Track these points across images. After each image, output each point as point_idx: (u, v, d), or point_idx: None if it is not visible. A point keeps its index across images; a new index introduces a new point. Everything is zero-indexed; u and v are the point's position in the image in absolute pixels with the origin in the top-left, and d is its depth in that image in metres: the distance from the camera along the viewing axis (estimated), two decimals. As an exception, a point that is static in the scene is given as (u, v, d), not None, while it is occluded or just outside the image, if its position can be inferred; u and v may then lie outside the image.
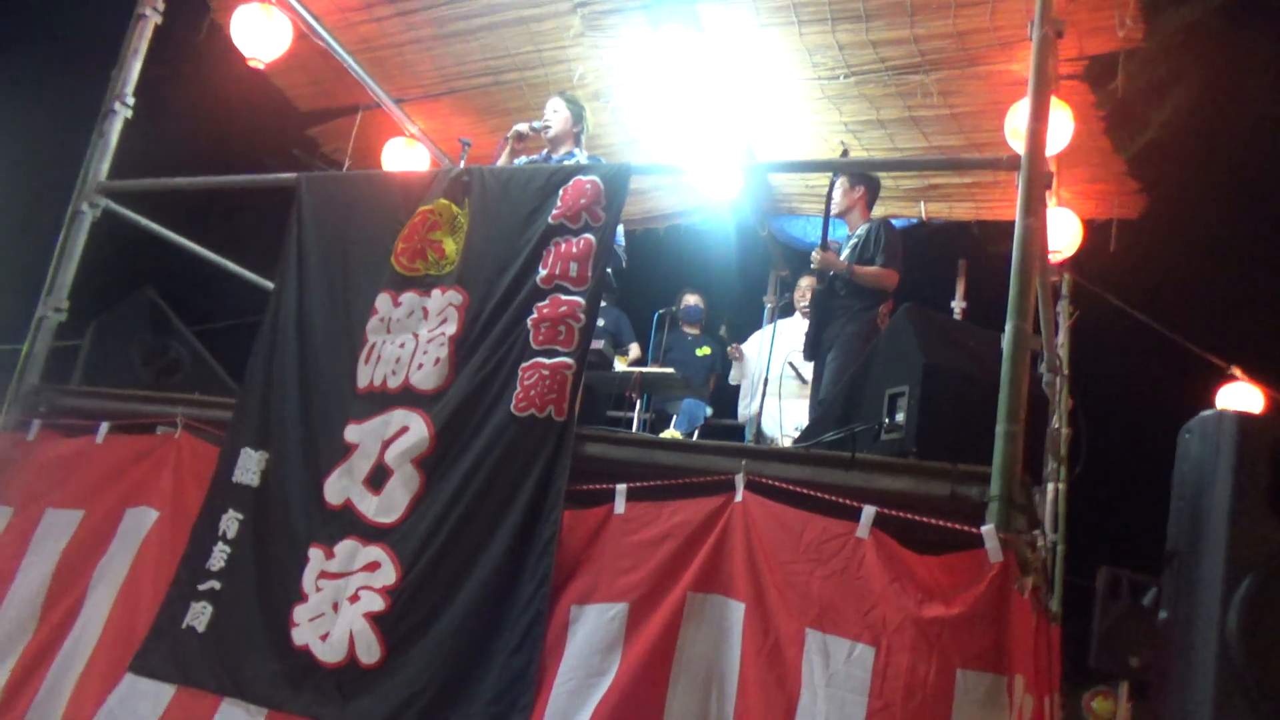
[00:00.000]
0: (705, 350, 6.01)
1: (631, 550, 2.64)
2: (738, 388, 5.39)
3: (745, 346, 5.40)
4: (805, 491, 2.55)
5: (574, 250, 3.04)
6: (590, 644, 2.53)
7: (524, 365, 2.93)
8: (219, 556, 3.04)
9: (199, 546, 3.06)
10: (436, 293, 3.17)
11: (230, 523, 3.07)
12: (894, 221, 4.85)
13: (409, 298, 3.19)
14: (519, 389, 2.90)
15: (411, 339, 3.13)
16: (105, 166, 3.97)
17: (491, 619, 2.66)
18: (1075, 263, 5.17)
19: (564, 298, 3.00)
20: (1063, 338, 5.10)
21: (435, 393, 3.01)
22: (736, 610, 2.47)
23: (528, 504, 2.77)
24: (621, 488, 2.73)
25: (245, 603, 2.94)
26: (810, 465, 2.68)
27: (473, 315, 3.08)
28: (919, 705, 2.19)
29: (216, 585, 2.99)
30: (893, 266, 3.89)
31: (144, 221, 4.10)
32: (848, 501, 2.49)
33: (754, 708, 2.33)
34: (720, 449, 2.79)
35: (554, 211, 3.10)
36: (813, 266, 4.07)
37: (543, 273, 3.03)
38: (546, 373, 2.90)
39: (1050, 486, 3.99)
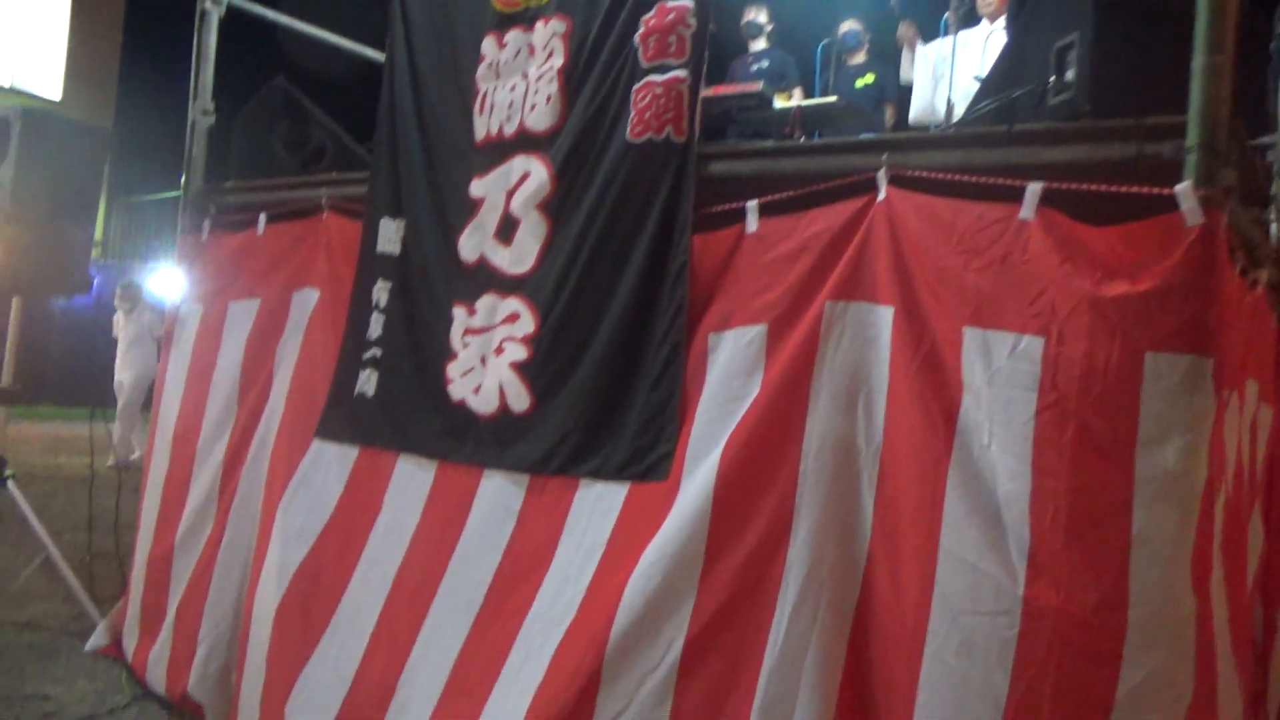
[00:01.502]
0: (868, 78, 5.43)
1: (767, 269, 2.42)
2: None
3: (924, 53, 4.80)
4: (958, 178, 2.20)
5: (673, -54, 2.67)
6: (730, 369, 2.39)
7: (636, 87, 2.67)
8: (376, 325, 3.11)
9: (358, 318, 3.15)
10: (539, 25, 2.91)
11: (381, 292, 3.13)
12: None
13: (513, 36, 2.97)
14: (633, 113, 2.66)
15: (521, 80, 2.92)
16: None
17: (630, 356, 2.58)
18: None
19: (670, 4, 2.67)
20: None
21: (551, 132, 2.82)
22: (883, 315, 2.22)
23: (655, 234, 2.59)
24: (752, 204, 2.48)
25: (404, 365, 3.02)
26: (962, 148, 2.30)
27: (578, 42, 2.82)
28: (1099, 396, 1.90)
29: (378, 352, 3.09)
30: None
31: (267, 13, 4.07)
32: (1009, 183, 2.12)
33: (907, 417, 2.12)
34: (858, 145, 2.46)
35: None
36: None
37: (645, -22, 2.70)
38: (660, 91, 2.63)
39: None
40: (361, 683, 2.63)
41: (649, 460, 2.46)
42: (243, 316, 3.49)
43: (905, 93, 5.33)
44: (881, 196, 2.29)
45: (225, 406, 3.42)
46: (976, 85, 3.87)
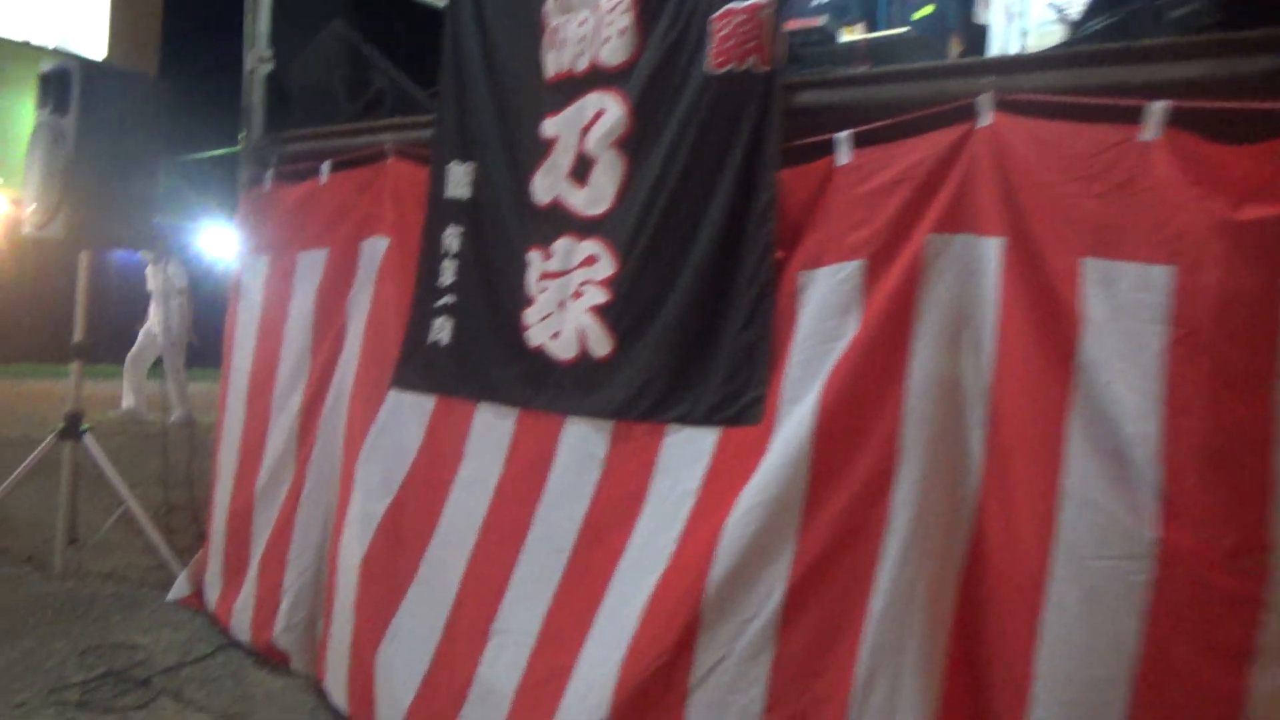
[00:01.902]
0: (926, 9, 5.18)
1: (860, 202, 2.31)
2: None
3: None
4: (1071, 101, 2.07)
5: None
6: (824, 309, 2.30)
7: (715, 16, 2.54)
8: (448, 272, 3.05)
9: (429, 265, 3.09)
10: (610, -48, 2.79)
11: (452, 238, 3.06)
12: None
13: (583, -34, 2.85)
14: (713, 43, 2.54)
15: (592, 13, 2.80)
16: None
17: (716, 297, 2.49)
18: None
19: (750, -74, 2.53)
20: None
21: (625, 66, 2.71)
22: (990, 248, 2.11)
23: (739, 170, 2.49)
24: (843, 135, 2.36)
25: (479, 312, 2.96)
26: (1075, 67, 2.16)
27: (652, -30, 2.69)
28: (1235, 328, 1.78)
29: (451, 299, 3.03)
30: None
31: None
32: (1130, 102, 1.98)
33: (1019, 354, 2.02)
34: (959, 68, 2.33)
35: None
36: None
37: (716, -101, 2.56)
38: (742, 19, 2.50)
39: None
40: (452, 632, 2.62)
41: (740, 404, 2.39)
42: (311, 267, 3.45)
43: (969, 24, 5.09)
44: (985, 122, 2.16)
45: (299, 358, 3.39)
46: (1056, 15, 3.69)
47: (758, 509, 2.15)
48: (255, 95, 3.85)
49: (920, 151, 2.25)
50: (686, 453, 2.43)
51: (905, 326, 2.15)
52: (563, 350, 2.73)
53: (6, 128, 13.85)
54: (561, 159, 2.82)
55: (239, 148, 3.99)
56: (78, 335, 4.06)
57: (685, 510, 2.34)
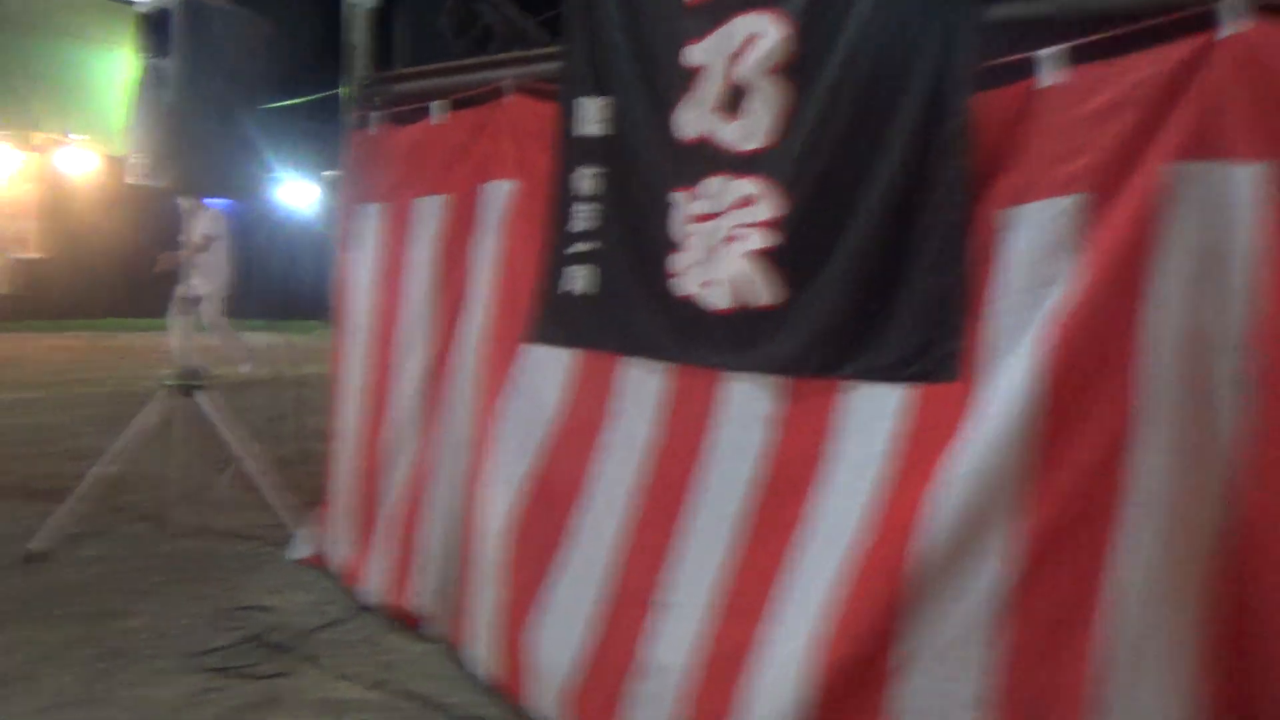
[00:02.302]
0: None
1: (1074, 129, 2.03)
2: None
3: None
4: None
5: None
6: (1034, 251, 2.04)
7: (892, -82, 2.26)
8: (583, 216, 2.84)
9: (561, 210, 2.88)
10: None
11: (585, 180, 2.84)
12: None
13: None
14: (891, -49, 2.25)
15: (739, -77, 2.53)
16: None
17: (898, 238, 2.24)
18: None
19: None
20: None
21: (783, -18, 2.44)
22: (1243, 176, 1.83)
23: (923, 94, 2.21)
24: (1049, 52, 2.08)
25: (620, 259, 2.75)
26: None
27: None
28: None
29: (587, 246, 2.82)
30: None
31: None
32: None
33: (1285, 301, 1.75)
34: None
35: None
36: None
37: None
38: (925, -81, 2.21)
39: None
40: (610, 604, 2.46)
41: (931, 358, 2.15)
42: (428, 214, 3.27)
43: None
44: (1234, 30, 1.86)
45: (420, 311, 3.23)
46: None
47: (968, 479, 1.93)
48: (358, 32, 3.64)
49: (1146, 68, 1.96)
50: (869, 412, 2.21)
51: (1140, 270, 1.89)
52: (716, 300, 2.51)
53: (89, 83, 13.94)
54: (709, 90, 2.56)
55: (338, 90, 3.80)
56: (185, 289, 3.95)
57: (873, 476, 2.12)
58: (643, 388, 2.63)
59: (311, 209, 15.76)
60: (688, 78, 2.60)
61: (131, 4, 12.71)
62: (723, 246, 2.51)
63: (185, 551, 3.77)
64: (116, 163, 13.25)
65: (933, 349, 2.15)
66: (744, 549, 2.29)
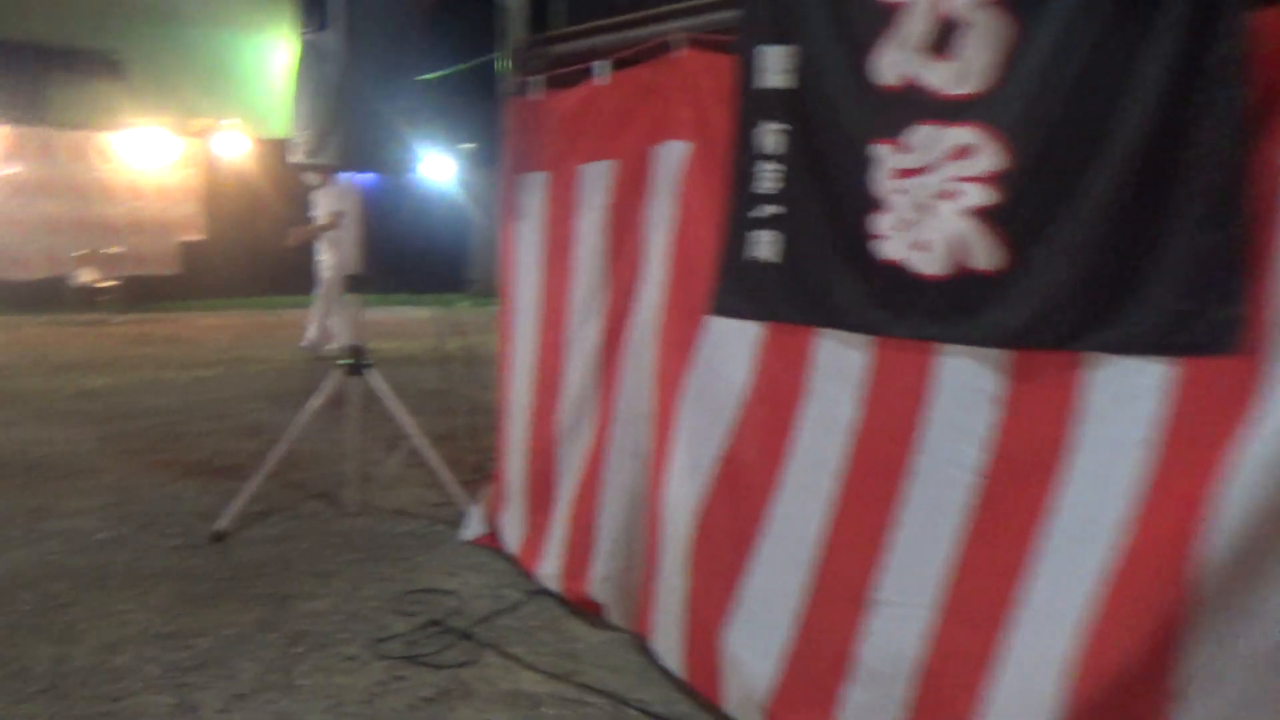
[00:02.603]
0: None
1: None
2: None
3: None
4: None
5: None
6: (1333, 195, 1.71)
7: None
8: (768, 176, 2.61)
9: (743, 170, 2.65)
10: None
11: (770, 135, 2.60)
12: None
13: None
14: None
15: None
16: None
17: (1154, 188, 1.92)
18: None
19: None
20: None
21: (1002, -101, 2.13)
22: None
23: (1185, 13, 1.88)
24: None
25: (812, 222, 2.51)
26: None
27: None
28: None
29: (773, 209, 2.59)
30: None
31: None
32: None
33: None
34: None
35: None
36: None
37: None
38: None
39: None
40: (817, 599, 2.26)
41: (1200, 327, 1.84)
42: (597, 180, 3.10)
43: None
44: None
45: (592, 283, 3.08)
46: None
47: (1260, 472, 1.63)
48: (517, -6, 3.49)
49: None
50: (1122, 390, 1.92)
51: None
52: (930, 264, 2.24)
53: (238, 69, 14.47)
54: (913, 28, 2.28)
55: (492, 57, 3.67)
56: (353, 267, 3.93)
57: (1131, 467, 1.84)
58: (842, 362, 2.40)
59: (449, 182, 15.99)
60: (887, 15, 2.33)
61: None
62: (934, 204, 2.24)
63: (360, 530, 3.78)
64: (267, 145, 13.75)
65: (1203, 316, 1.84)
66: (971, 544, 2.05)
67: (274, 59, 14.94)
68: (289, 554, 3.49)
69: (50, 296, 12.40)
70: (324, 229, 8.18)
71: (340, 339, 8.36)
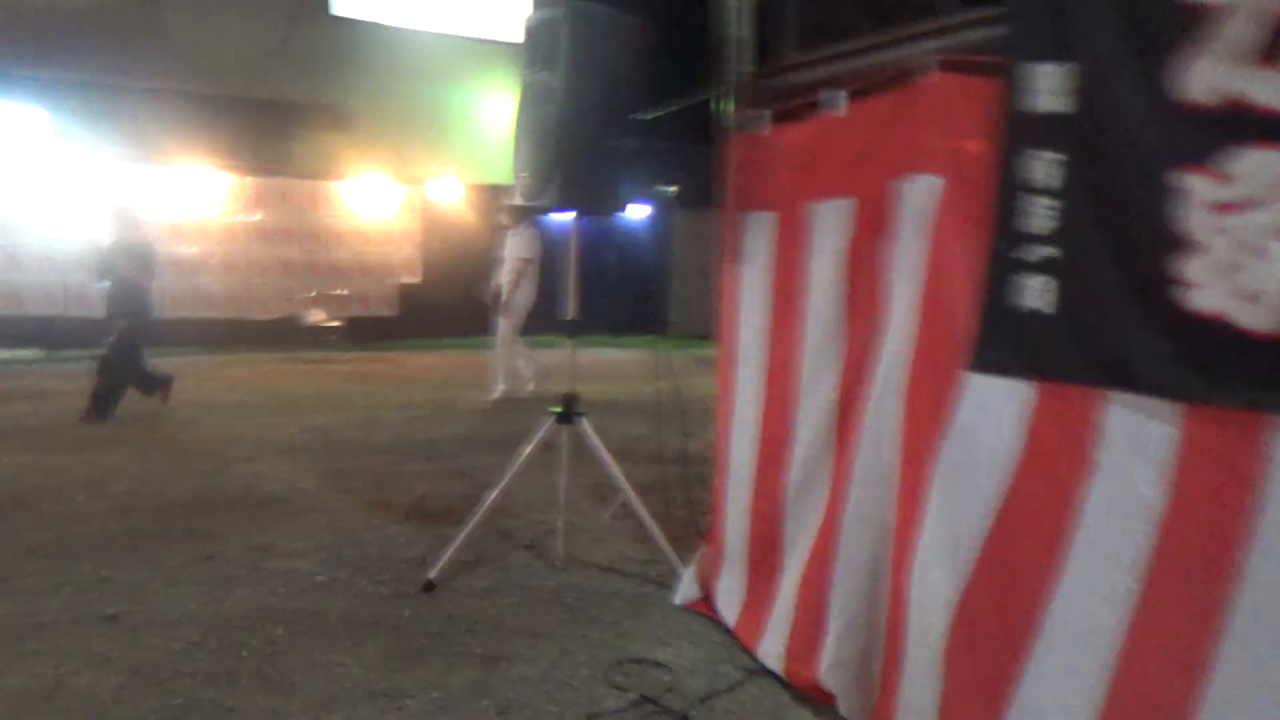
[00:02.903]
0: None
1: None
2: None
3: None
4: None
5: None
6: None
7: None
8: (1038, 213, 2.25)
9: (1007, 206, 2.31)
10: None
11: (1040, 166, 2.26)
12: None
13: None
14: None
15: None
16: None
17: None
18: None
19: None
20: None
21: None
22: None
23: None
24: None
25: (1095, 265, 2.14)
26: None
27: None
28: None
29: (1045, 250, 2.23)
30: None
31: None
32: None
33: None
34: None
35: None
36: None
37: None
38: None
39: None
40: (1116, 722, 1.88)
41: None
42: (832, 219, 2.84)
43: None
44: None
45: (828, 333, 2.80)
46: None
47: None
48: (742, 24, 3.30)
49: None
50: None
51: None
52: (1259, 318, 1.83)
53: (452, 118, 15.23)
54: (1235, 32, 1.90)
55: (711, 93, 3.49)
56: (572, 312, 3.82)
57: None
58: (1140, 433, 2.01)
59: (643, 222, 16.16)
60: (1198, 20, 1.95)
61: (485, 41, 13.61)
62: (1265, 245, 1.83)
63: (568, 587, 3.63)
64: (478, 191, 14.33)
65: None
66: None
67: (486, 108, 15.62)
68: (497, 609, 3.38)
69: (283, 335, 13.36)
70: (514, 275, 8.30)
71: (528, 380, 8.49)
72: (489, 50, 15.67)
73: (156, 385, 7.70)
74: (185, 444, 6.39)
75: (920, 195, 2.58)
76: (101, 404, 7.19)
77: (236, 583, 3.61)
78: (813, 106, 2.99)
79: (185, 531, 4.26)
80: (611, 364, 9.16)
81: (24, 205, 11.97)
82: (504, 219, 8.65)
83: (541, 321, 8.75)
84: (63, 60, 12.34)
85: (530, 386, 8.51)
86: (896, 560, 2.41)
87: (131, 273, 7.25)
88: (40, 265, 11.78)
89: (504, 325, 8.46)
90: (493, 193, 11.86)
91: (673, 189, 15.21)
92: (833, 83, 2.93)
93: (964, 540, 2.20)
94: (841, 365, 2.74)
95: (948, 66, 2.57)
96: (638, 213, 16.05)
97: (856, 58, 2.93)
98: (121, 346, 7.28)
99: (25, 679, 2.76)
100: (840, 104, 2.87)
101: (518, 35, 3.48)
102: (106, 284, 7.30)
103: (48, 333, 11.80)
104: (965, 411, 2.33)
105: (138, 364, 7.50)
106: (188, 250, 13.21)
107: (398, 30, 15.06)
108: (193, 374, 10.31)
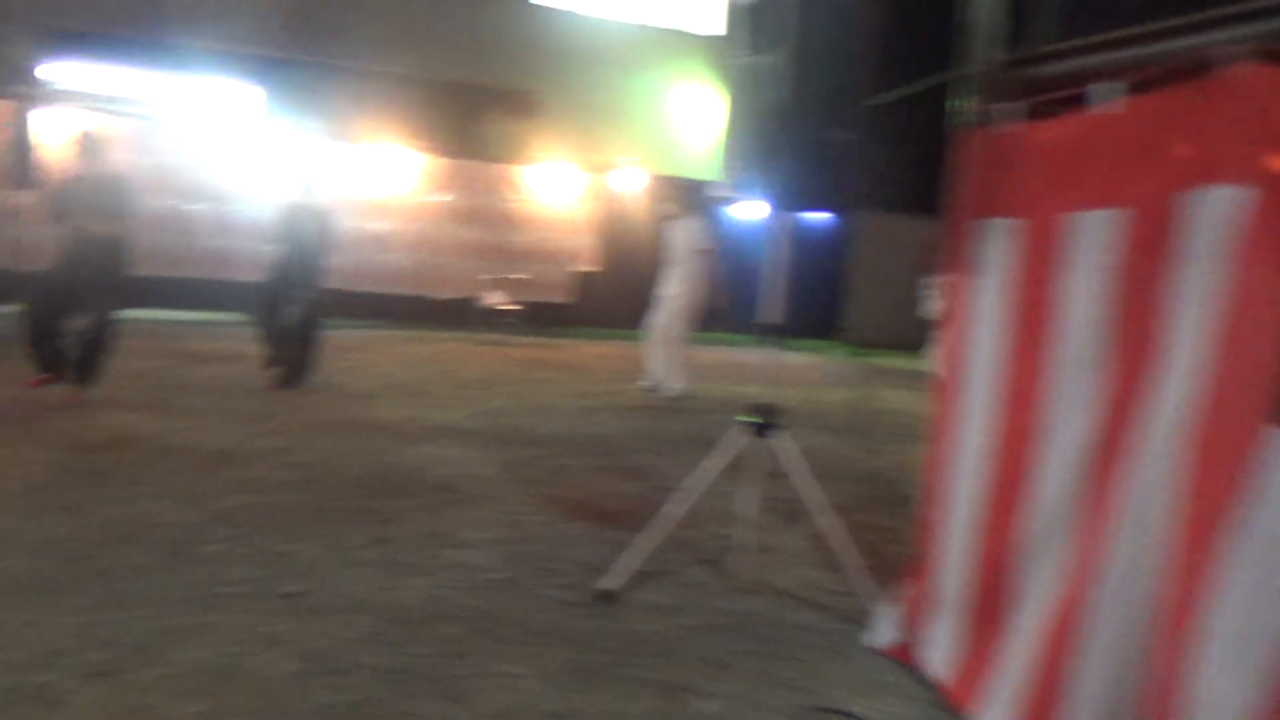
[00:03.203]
0: None
1: None
2: None
3: None
4: None
5: None
6: None
7: None
8: (1391, 238, 1.84)
9: (1343, 228, 1.90)
10: None
11: (1397, 182, 1.84)
12: None
13: None
14: None
15: None
16: None
17: None
18: None
19: None
20: None
21: None
22: None
23: None
24: None
25: None
26: None
27: None
28: None
29: (1396, 286, 1.82)
30: None
31: None
32: None
33: None
34: None
35: None
36: None
37: None
38: None
39: None
40: None
41: None
42: (1096, 232, 2.45)
43: None
44: None
45: (1083, 362, 2.43)
46: None
47: None
48: (994, 4, 2.94)
49: None
50: None
51: None
52: None
53: (633, 108, 15.21)
54: None
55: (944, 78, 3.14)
56: (770, 314, 3.55)
57: None
58: None
59: (822, 222, 15.62)
60: None
61: (675, 32, 13.47)
62: None
63: (752, 613, 3.37)
64: (660, 181, 14.21)
65: None
66: None
67: (672, 100, 15.50)
68: (678, 631, 3.16)
69: (460, 315, 13.69)
70: (697, 268, 8.08)
71: (677, 380, 8.19)
72: (678, 41, 15.55)
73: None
74: (362, 419, 6.51)
75: (1219, 210, 2.16)
76: (293, 372, 7.45)
77: (410, 570, 3.54)
78: (1074, 101, 2.61)
79: (359, 511, 4.26)
80: (782, 368, 8.79)
81: (237, 177, 12.73)
82: (672, 208, 8.42)
83: (717, 320, 8.55)
84: (282, 41, 13.06)
85: (679, 387, 8.29)
86: (1168, 644, 2.02)
87: (312, 241, 7.45)
88: (247, 234, 12.46)
89: (675, 321, 8.26)
90: (668, 184, 11.69)
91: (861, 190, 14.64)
92: (1104, 74, 2.54)
93: (1271, 634, 1.81)
94: (1098, 403, 2.35)
95: (1263, 55, 2.14)
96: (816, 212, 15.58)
97: (1137, 45, 2.53)
98: (310, 317, 7.50)
99: (206, 654, 2.75)
100: (1117, 99, 2.48)
101: (710, 27, 3.24)
102: (280, 249, 7.47)
103: (251, 298, 12.48)
104: (1271, 472, 1.92)
105: (317, 334, 7.64)
106: (381, 227, 13.73)
107: (590, 19, 15.16)
108: (375, 348, 10.67)
